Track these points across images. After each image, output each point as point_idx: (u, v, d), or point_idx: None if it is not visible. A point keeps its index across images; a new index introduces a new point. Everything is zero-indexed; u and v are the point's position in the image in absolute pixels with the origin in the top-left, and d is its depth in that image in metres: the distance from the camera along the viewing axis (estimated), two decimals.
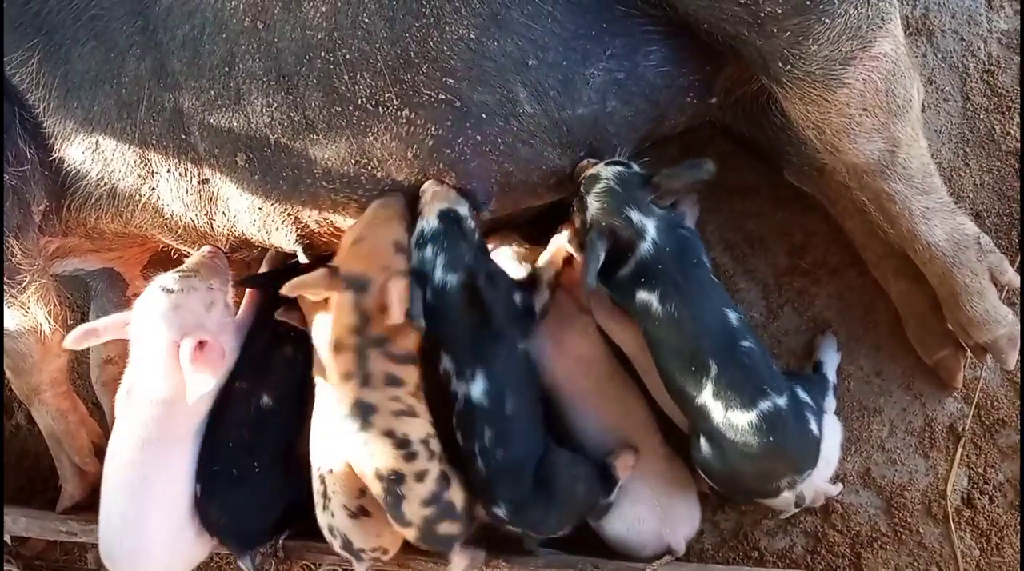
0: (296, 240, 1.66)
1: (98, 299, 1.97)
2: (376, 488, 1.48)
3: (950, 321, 1.63)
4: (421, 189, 1.54)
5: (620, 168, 1.50)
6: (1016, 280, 1.60)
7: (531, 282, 1.60)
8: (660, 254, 1.45)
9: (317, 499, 1.59)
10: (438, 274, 1.49)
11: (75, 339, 1.63)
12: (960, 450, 1.74)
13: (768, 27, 1.36)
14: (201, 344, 1.57)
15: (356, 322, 1.47)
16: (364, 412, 1.46)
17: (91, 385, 2.02)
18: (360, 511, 1.55)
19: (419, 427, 1.49)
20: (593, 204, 1.48)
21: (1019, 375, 1.74)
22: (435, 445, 1.50)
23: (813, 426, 1.46)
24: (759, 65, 1.42)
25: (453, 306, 1.49)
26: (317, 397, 1.62)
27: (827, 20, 1.34)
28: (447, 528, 1.50)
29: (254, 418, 1.67)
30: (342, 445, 1.51)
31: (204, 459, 1.66)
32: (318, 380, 1.62)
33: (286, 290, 1.49)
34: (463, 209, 1.53)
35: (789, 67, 1.39)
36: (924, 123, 1.74)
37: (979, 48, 1.81)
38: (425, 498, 1.47)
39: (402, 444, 1.46)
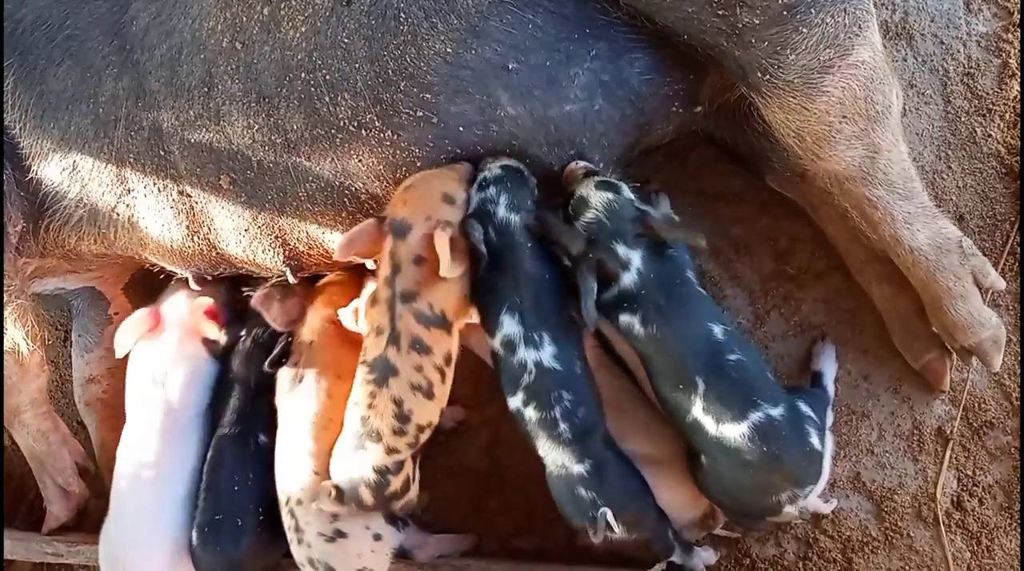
0: (284, 261, 1.65)
1: (80, 318, 1.95)
2: (351, 426, 1.47)
3: (935, 325, 1.64)
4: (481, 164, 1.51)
5: (610, 195, 1.47)
6: (999, 283, 1.60)
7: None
8: (643, 282, 1.44)
9: (290, 535, 1.57)
10: (501, 211, 1.45)
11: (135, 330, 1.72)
12: (949, 453, 1.75)
13: (746, 38, 1.36)
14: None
15: (388, 273, 1.45)
16: (384, 370, 1.44)
17: (75, 405, 2.00)
18: (337, 534, 1.54)
19: (427, 412, 1.47)
20: (581, 236, 1.46)
21: (1008, 379, 1.75)
22: (424, 437, 1.49)
23: (814, 439, 1.44)
24: (739, 75, 1.43)
25: (516, 247, 1.45)
26: (280, 422, 1.62)
27: (804, 30, 1.34)
28: (365, 496, 1.48)
29: (256, 456, 1.66)
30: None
31: (203, 508, 1.64)
32: (279, 404, 1.63)
33: (339, 254, 1.47)
34: (524, 168, 1.51)
35: (768, 77, 1.39)
36: (905, 127, 1.76)
37: (959, 51, 1.82)
38: (378, 465, 1.46)
39: (402, 418, 1.44)
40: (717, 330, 1.44)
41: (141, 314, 1.74)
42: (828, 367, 1.74)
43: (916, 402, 1.77)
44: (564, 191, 1.53)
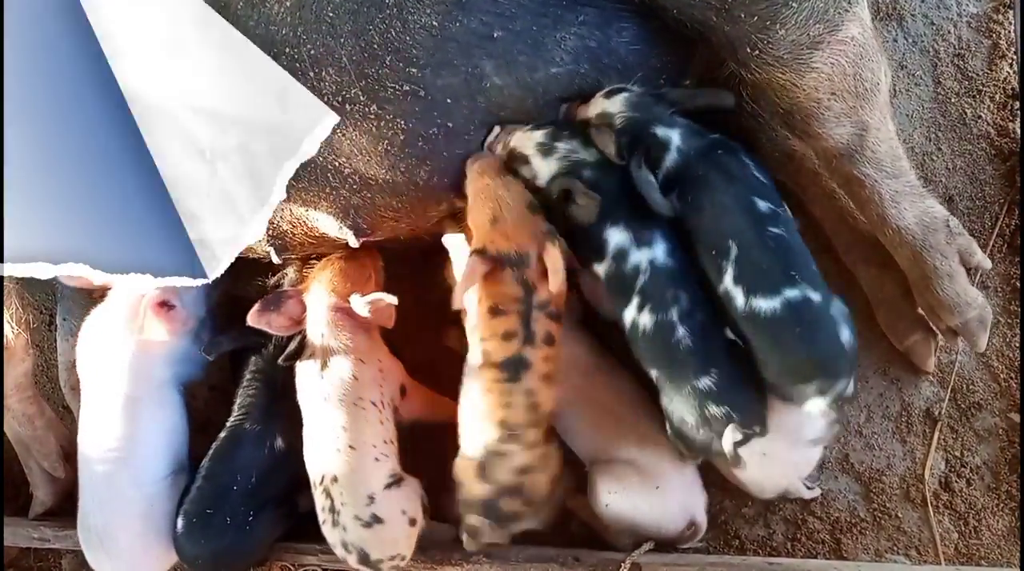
0: (268, 241, 1.63)
1: (64, 301, 1.93)
2: (491, 435, 1.45)
3: (921, 305, 1.64)
4: (496, 138, 1.52)
5: (624, 95, 1.48)
6: (986, 262, 1.60)
7: None
8: (684, 159, 1.45)
9: (324, 515, 1.55)
10: (583, 153, 1.48)
11: None
12: (937, 434, 1.75)
13: (735, 12, 1.35)
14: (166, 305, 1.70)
15: (520, 293, 1.45)
16: (518, 367, 1.44)
17: (61, 388, 1.98)
18: (374, 519, 1.51)
19: (550, 399, 1.47)
20: (622, 139, 1.46)
21: (996, 360, 1.75)
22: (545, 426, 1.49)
23: (845, 332, 1.37)
24: (727, 51, 1.42)
25: (609, 171, 1.47)
26: (305, 410, 1.61)
27: (794, 4, 1.33)
28: (511, 506, 1.47)
29: (267, 461, 1.66)
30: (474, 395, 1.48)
31: (195, 497, 1.64)
32: (302, 395, 1.61)
33: (457, 303, 1.47)
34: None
35: (757, 52, 1.38)
36: (896, 108, 1.76)
37: (949, 32, 1.82)
38: (521, 466, 1.45)
39: (532, 408, 1.45)
40: (761, 205, 1.40)
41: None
42: None
43: (905, 384, 1.77)
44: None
